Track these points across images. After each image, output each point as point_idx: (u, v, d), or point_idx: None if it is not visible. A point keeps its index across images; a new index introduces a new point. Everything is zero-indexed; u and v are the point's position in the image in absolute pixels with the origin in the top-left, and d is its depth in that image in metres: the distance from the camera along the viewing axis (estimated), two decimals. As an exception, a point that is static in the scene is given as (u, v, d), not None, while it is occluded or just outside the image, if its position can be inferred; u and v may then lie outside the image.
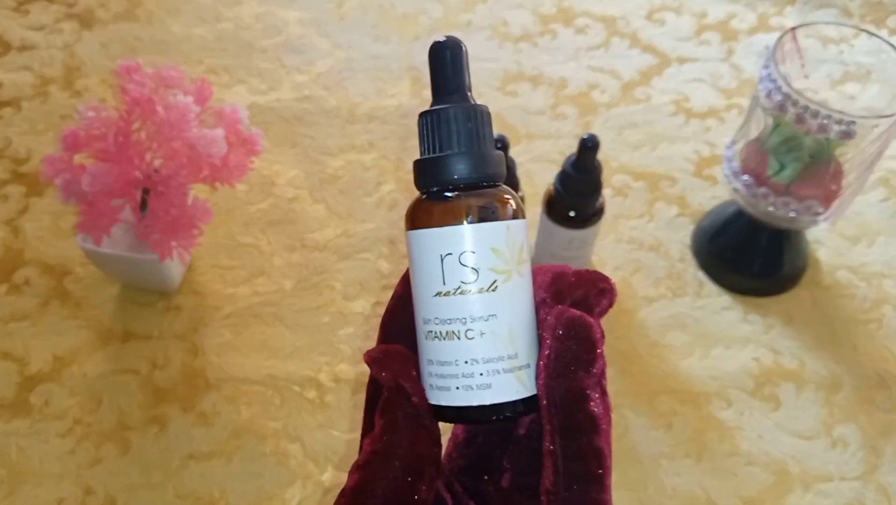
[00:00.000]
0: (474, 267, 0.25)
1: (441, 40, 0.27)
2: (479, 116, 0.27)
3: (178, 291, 0.65)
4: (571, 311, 0.25)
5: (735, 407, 0.59)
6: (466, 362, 0.25)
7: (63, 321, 0.63)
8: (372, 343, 0.26)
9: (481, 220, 0.25)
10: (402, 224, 0.23)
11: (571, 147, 0.74)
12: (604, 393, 0.24)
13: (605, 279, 0.26)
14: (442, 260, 0.25)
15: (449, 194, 0.26)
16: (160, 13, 0.88)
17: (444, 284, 0.25)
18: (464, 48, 0.27)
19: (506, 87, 0.80)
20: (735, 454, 0.57)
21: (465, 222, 0.25)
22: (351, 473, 0.25)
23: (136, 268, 0.61)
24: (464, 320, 0.25)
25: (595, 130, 0.77)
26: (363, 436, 0.27)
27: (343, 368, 0.61)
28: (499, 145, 0.56)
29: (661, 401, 0.59)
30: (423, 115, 0.27)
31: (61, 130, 0.56)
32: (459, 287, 0.25)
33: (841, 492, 0.55)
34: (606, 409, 0.24)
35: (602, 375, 0.24)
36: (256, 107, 0.78)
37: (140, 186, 0.57)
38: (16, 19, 0.87)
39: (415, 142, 0.75)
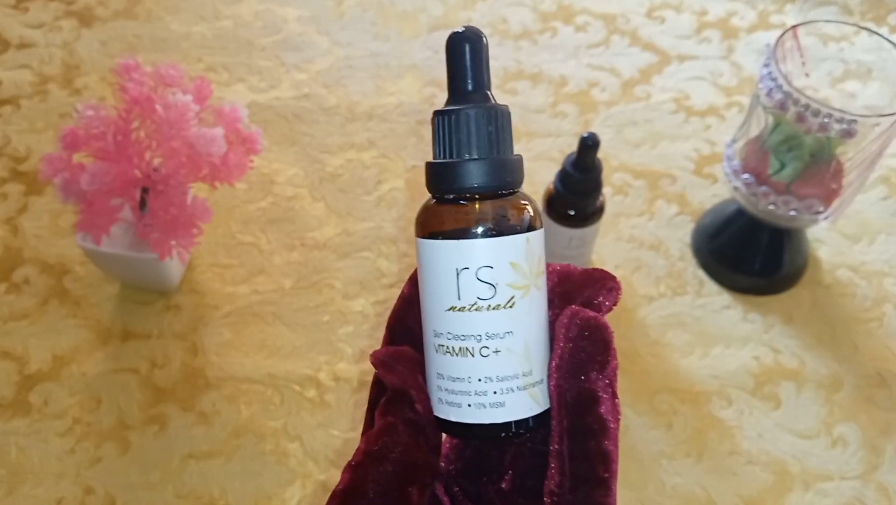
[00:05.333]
0: (492, 283, 0.24)
1: (460, 32, 0.24)
2: (500, 119, 0.24)
3: (177, 290, 0.65)
4: (585, 311, 0.24)
5: (735, 406, 0.59)
6: (480, 380, 0.24)
7: (62, 320, 0.63)
8: (372, 341, 0.26)
9: (499, 232, 0.24)
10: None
11: (571, 145, 0.74)
12: (614, 395, 0.24)
13: (612, 277, 0.25)
14: (457, 274, 0.24)
15: (465, 203, 0.24)
16: (159, 11, 0.87)
17: (459, 298, 0.24)
18: (485, 41, 0.24)
19: (505, 85, 0.80)
20: (735, 453, 0.57)
21: (482, 235, 0.24)
22: (343, 472, 0.25)
23: (136, 267, 0.61)
24: (478, 337, 0.24)
25: (595, 129, 0.76)
26: (363, 434, 0.26)
27: (343, 367, 0.60)
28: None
29: (661, 400, 0.59)
30: (438, 114, 0.25)
31: (60, 129, 0.56)
32: (475, 303, 0.24)
33: (841, 491, 0.55)
34: (616, 411, 0.24)
35: (614, 376, 0.24)
36: (256, 105, 0.78)
37: (139, 185, 0.57)
38: (15, 17, 0.87)
39: (414, 140, 0.75)
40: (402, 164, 0.73)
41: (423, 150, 0.74)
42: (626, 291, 0.65)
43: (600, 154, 0.58)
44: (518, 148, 0.73)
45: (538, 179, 0.71)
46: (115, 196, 0.56)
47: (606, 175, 0.72)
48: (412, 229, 0.73)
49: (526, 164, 0.79)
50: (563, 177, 0.58)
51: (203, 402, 0.59)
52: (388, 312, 0.28)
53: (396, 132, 0.76)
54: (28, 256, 0.67)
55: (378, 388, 0.26)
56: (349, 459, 0.25)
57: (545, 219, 0.60)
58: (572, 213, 0.59)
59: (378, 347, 0.27)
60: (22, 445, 0.57)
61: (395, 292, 0.64)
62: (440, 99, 0.79)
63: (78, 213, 0.56)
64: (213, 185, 0.58)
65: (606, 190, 0.71)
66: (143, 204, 0.58)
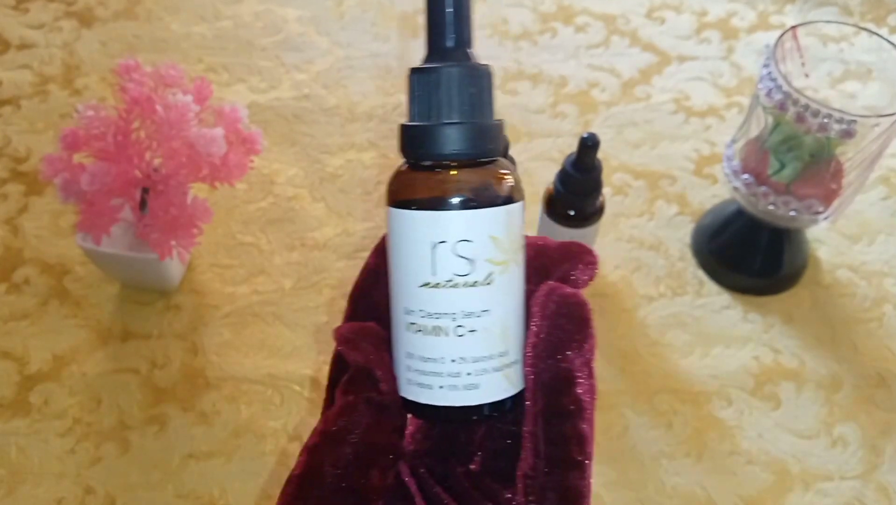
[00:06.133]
0: (470, 258, 0.22)
1: None
2: (482, 79, 0.23)
3: (177, 290, 0.65)
4: (563, 287, 0.23)
5: (735, 406, 0.59)
6: (454, 361, 0.22)
7: (62, 320, 0.63)
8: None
9: (479, 203, 0.22)
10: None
11: (571, 146, 0.74)
12: (591, 374, 0.23)
13: (589, 251, 0.24)
14: (433, 248, 0.22)
15: (442, 170, 0.23)
16: (159, 11, 0.87)
17: (434, 274, 0.22)
18: None
19: (505, 86, 0.80)
20: (735, 453, 0.57)
21: (461, 206, 0.22)
22: (300, 454, 0.23)
23: (136, 267, 0.61)
24: (453, 316, 0.22)
25: (595, 129, 0.76)
26: (322, 413, 0.25)
27: (343, 368, 0.60)
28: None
29: (661, 400, 0.59)
30: (415, 71, 0.23)
31: (60, 129, 0.56)
32: (451, 279, 0.22)
33: (841, 491, 0.55)
34: (592, 390, 0.23)
35: (591, 355, 0.23)
36: (256, 105, 0.78)
37: (139, 186, 0.57)
38: (15, 17, 0.87)
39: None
40: (402, 165, 0.73)
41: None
42: (625, 291, 0.65)
43: (600, 154, 0.57)
44: (518, 148, 0.73)
45: (538, 179, 0.71)
46: (115, 196, 0.56)
47: (606, 175, 0.72)
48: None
49: (526, 165, 0.79)
50: (563, 177, 0.58)
51: (203, 402, 0.59)
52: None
53: (396, 133, 0.76)
54: (28, 256, 0.67)
55: (339, 365, 0.25)
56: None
57: (545, 219, 0.60)
58: (572, 213, 0.59)
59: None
60: (22, 445, 0.57)
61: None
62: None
63: (78, 214, 0.56)
64: (213, 186, 0.58)
65: (606, 190, 0.71)
66: (143, 204, 0.58)
